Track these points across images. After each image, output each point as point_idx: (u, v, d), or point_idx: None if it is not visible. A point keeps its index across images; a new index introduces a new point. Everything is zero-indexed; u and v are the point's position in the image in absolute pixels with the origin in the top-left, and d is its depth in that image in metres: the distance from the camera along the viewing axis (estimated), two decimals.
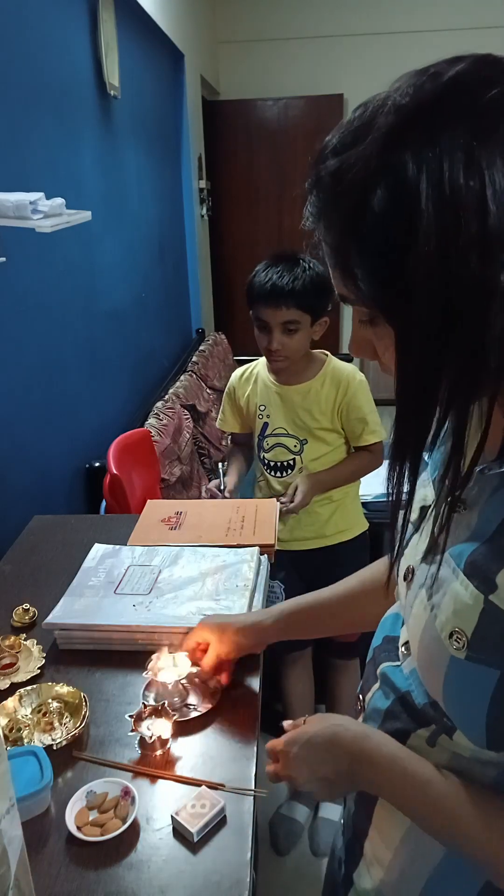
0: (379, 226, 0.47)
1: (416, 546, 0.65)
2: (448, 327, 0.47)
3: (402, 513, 0.58)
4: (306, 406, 1.68)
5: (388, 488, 0.56)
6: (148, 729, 0.86)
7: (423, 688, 0.62)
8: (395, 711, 0.66)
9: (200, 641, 0.96)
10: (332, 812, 1.83)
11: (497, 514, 0.54)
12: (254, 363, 1.80)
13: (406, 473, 0.54)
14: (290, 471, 1.72)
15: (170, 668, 0.93)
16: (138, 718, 0.87)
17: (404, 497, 0.57)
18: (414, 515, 0.67)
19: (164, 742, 0.86)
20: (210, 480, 2.57)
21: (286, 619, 0.93)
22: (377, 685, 0.71)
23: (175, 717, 0.87)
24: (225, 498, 1.72)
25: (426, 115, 0.46)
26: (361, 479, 1.82)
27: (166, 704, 0.89)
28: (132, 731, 0.86)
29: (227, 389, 1.83)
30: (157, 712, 0.88)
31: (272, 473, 1.74)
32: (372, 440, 1.70)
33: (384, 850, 0.69)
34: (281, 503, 1.51)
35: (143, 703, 0.89)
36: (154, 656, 0.94)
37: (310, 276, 1.54)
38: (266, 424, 1.72)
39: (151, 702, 0.92)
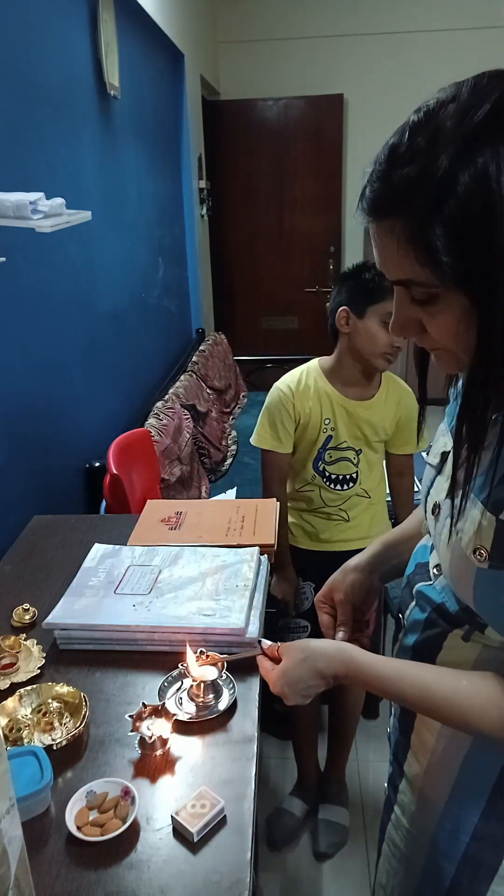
0: (464, 207, 0.55)
1: (440, 486, 0.78)
2: None
3: (462, 469, 0.68)
4: (372, 420, 1.68)
5: (454, 450, 0.69)
6: (148, 729, 0.86)
7: (454, 597, 0.77)
8: (432, 619, 0.80)
9: (325, 597, 1.02)
10: (333, 814, 1.84)
11: None
12: (303, 374, 1.71)
13: (474, 431, 0.64)
14: (352, 484, 1.72)
15: (205, 667, 0.94)
16: (138, 718, 0.87)
17: (464, 455, 0.66)
18: (435, 461, 0.80)
19: (164, 742, 0.86)
20: (210, 481, 2.56)
21: (380, 547, 1.03)
22: (413, 602, 0.85)
23: (205, 716, 0.90)
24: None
25: (493, 119, 0.56)
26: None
27: (200, 701, 0.92)
28: (132, 731, 0.86)
29: (275, 403, 1.71)
30: (157, 712, 0.88)
31: (330, 485, 1.72)
32: (411, 451, 1.77)
33: (428, 735, 0.85)
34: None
35: (143, 703, 0.89)
36: (191, 659, 0.94)
37: None
38: (330, 437, 1.68)
39: (181, 696, 0.94)
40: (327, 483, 1.72)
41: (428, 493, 0.82)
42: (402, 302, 0.65)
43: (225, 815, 0.78)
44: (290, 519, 1.79)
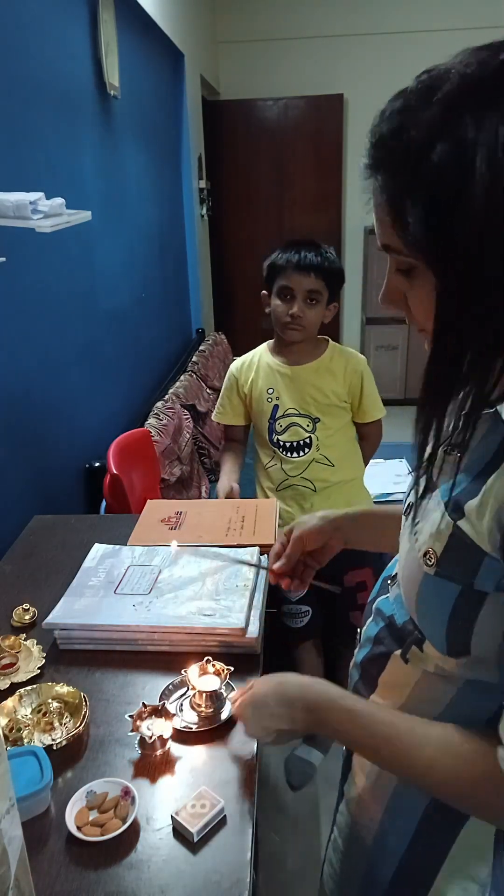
0: (436, 177, 0.52)
1: (417, 488, 0.75)
2: (487, 276, 0.53)
3: (424, 456, 0.66)
4: (317, 383, 1.77)
5: (414, 434, 0.64)
6: (148, 729, 0.86)
7: (403, 608, 0.73)
8: (381, 636, 0.77)
9: (288, 530, 0.99)
10: (308, 754, 1.95)
11: (484, 455, 0.61)
12: (252, 352, 1.89)
13: (434, 418, 0.61)
14: (307, 450, 1.79)
15: (208, 676, 0.94)
16: (138, 718, 0.87)
17: (430, 441, 0.63)
18: (423, 464, 0.75)
19: (164, 742, 0.86)
20: (210, 481, 2.57)
21: (358, 511, 1.01)
22: (371, 618, 0.82)
23: (205, 726, 0.90)
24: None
25: (487, 84, 0.51)
26: (365, 477, 1.86)
27: (202, 710, 0.91)
28: (132, 731, 0.86)
29: (226, 382, 1.89)
30: (157, 712, 0.88)
31: (287, 454, 1.80)
32: (378, 416, 1.85)
33: (364, 761, 0.81)
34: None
35: (143, 703, 0.89)
36: (194, 666, 0.95)
37: (331, 258, 1.72)
38: (276, 407, 1.79)
39: (184, 703, 0.93)
40: (283, 452, 1.80)
41: (407, 496, 0.79)
42: (390, 270, 0.63)
43: (225, 815, 0.78)
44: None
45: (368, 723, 0.69)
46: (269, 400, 1.80)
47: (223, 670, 0.94)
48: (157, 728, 0.86)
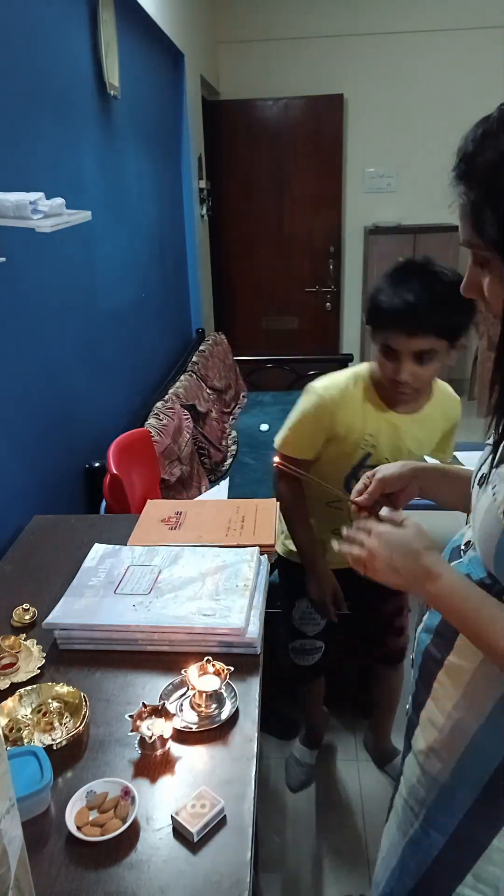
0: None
1: (486, 459, 0.84)
2: None
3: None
4: (419, 434, 1.52)
5: (489, 409, 0.78)
6: (148, 729, 0.86)
7: (481, 565, 0.83)
8: None
9: (370, 474, 1.05)
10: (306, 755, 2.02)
11: None
12: (345, 383, 1.50)
13: None
14: None
15: (207, 676, 0.94)
16: (138, 718, 0.87)
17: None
18: (492, 439, 0.83)
19: (164, 742, 0.86)
20: (210, 481, 2.56)
21: (436, 468, 1.10)
22: None
23: (206, 725, 0.90)
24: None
25: None
26: None
27: (202, 710, 0.91)
28: (132, 731, 0.86)
29: (310, 410, 1.51)
30: (157, 712, 0.88)
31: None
32: (447, 460, 1.64)
33: (438, 714, 0.91)
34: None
35: (143, 703, 0.89)
36: (194, 666, 0.95)
37: (448, 288, 1.28)
38: (368, 455, 1.50)
39: (184, 703, 0.93)
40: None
41: (479, 468, 0.87)
42: (471, 263, 0.76)
43: (225, 815, 0.78)
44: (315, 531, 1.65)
45: (468, 590, 0.81)
46: (363, 447, 1.50)
47: (223, 670, 0.94)
48: (157, 728, 0.86)
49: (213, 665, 0.95)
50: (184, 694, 0.95)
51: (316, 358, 4.25)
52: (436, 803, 0.93)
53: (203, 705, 0.92)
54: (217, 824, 0.77)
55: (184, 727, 0.90)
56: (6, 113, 1.48)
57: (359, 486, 1.05)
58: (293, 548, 1.68)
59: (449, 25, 4.28)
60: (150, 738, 0.84)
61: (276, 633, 1.75)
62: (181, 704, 0.94)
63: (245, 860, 0.73)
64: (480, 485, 0.84)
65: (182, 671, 0.96)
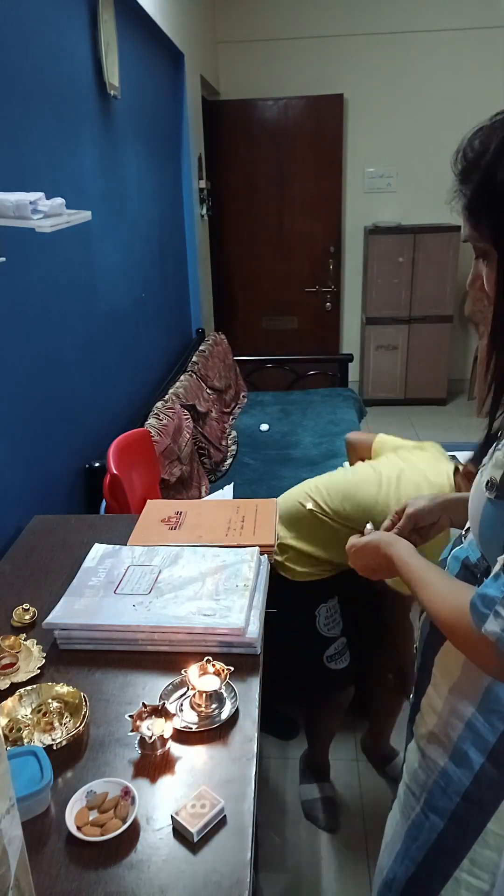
0: (500, 190, 0.71)
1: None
2: None
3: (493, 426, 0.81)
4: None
5: (487, 406, 0.80)
6: (148, 729, 0.86)
7: (475, 548, 0.86)
8: (460, 578, 0.89)
9: (401, 507, 1.12)
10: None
11: None
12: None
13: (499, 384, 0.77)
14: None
15: (208, 676, 0.94)
16: (138, 718, 0.87)
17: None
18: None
19: (164, 742, 0.86)
20: (210, 481, 2.56)
21: (463, 497, 1.07)
22: (445, 569, 0.94)
23: (206, 725, 0.90)
24: None
25: None
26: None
27: (202, 710, 0.91)
28: (132, 731, 0.86)
29: None
30: (157, 712, 0.88)
31: None
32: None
33: (437, 700, 0.95)
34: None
35: (143, 703, 0.89)
36: (194, 666, 0.95)
37: None
38: None
39: (184, 703, 0.93)
40: None
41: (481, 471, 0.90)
42: (474, 257, 0.80)
43: (225, 815, 0.78)
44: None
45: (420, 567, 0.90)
46: None
47: (223, 670, 0.94)
48: (156, 728, 0.86)
49: (214, 665, 0.95)
50: (184, 694, 0.95)
51: (316, 358, 4.25)
52: (435, 786, 0.95)
53: (203, 705, 0.92)
54: (217, 824, 0.77)
55: (184, 727, 0.90)
56: (6, 113, 1.48)
57: (386, 523, 1.13)
58: (302, 569, 1.66)
59: (449, 25, 4.28)
60: (150, 738, 0.84)
61: (299, 652, 1.74)
62: (181, 704, 0.94)
63: (245, 860, 0.73)
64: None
65: (182, 671, 0.96)
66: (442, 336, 4.72)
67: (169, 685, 0.97)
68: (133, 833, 0.76)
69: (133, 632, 1.04)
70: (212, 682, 0.93)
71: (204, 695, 0.92)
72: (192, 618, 1.05)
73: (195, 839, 0.75)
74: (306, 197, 4.64)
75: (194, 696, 0.93)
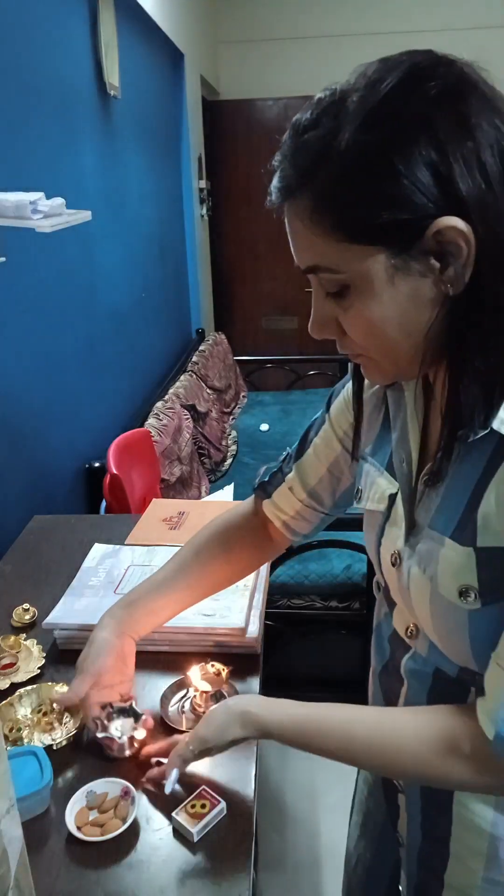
0: (367, 178, 0.52)
1: (393, 534, 0.69)
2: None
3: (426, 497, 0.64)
4: None
5: (406, 477, 0.65)
6: (117, 730, 0.85)
7: (445, 659, 0.65)
8: (437, 693, 0.68)
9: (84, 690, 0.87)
10: None
11: (468, 481, 0.58)
12: None
13: (449, 451, 0.59)
14: None
15: (209, 677, 0.93)
16: (107, 719, 0.85)
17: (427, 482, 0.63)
18: (382, 506, 0.70)
19: (134, 744, 0.84)
20: (210, 481, 2.55)
21: (132, 608, 0.91)
22: (405, 685, 0.72)
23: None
24: None
25: (401, 89, 0.53)
26: None
27: (203, 711, 0.90)
28: (100, 731, 0.84)
29: None
30: (125, 712, 0.86)
31: None
32: None
33: (468, 876, 0.71)
34: None
35: (110, 704, 0.86)
36: (195, 667, 0.94)
37: None
38: None
39: (184, 705, 0.93)
40: None
41: (379, 545, 0.71)
42: (318, 297, 0.60)
43: (225, 815, 0.78)
44: None
45: (315, 711, 0.68)
46: None
47: (223, 671, 0.94)
48: (126, 729, 0.85)
49: (214, 666, 0.94)
50: (185, 695, 0.95)
51: (316, 358, 4.25)
52: None
53: (204, 706, 0.92)
54: (217, 824, 0.77)
55: (188, 728, 0.90)
56: (6, 113, 1.48)
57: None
58: None
59: (448, 25, 4.28)
60: (120, 738, 0.83)
61: None
62: (183, 705, 0.94)
63: (245, 860, 0.73)
64: (395, 564, 0.69)
65: (184, 673, 0.96)
66: None
67: (171, 686, 0.97)
68: (133, 833, 0.76)
69: None
70: (213, 683, 0.93)
71: (205, 695, 0.92)
72: (192, 618, 1.04)
73: (195, 839, 0.75)
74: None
75: (195, 696, 0.93)
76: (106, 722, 0.85)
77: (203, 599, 0.96)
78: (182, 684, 0.96)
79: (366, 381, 0.71)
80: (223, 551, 0.92)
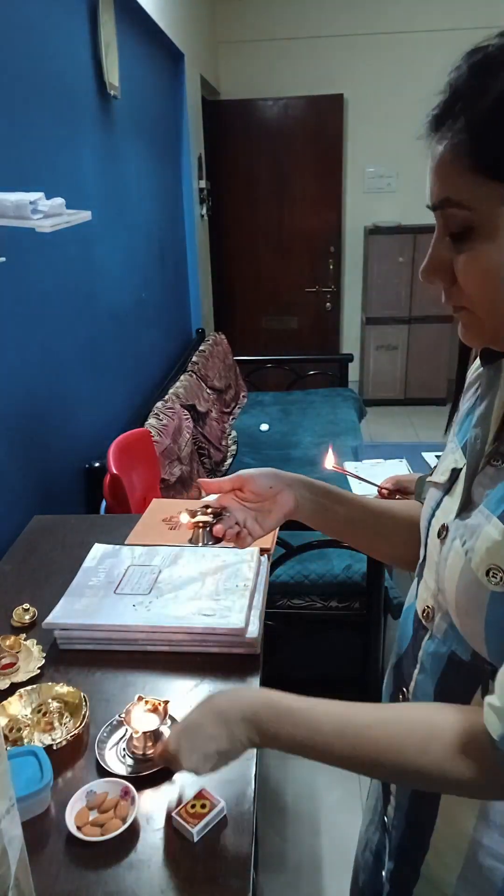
0: None
1: (448, 507, 0.69)
2: None
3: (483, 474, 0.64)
4: None
5: (471, 451, 0.66)
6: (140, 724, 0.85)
7: (462, 642, 0.64)
8: (448, 681, 0.67)
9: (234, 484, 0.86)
10: None
11: None
12: None
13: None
14: None
15: (147, 715, 0.85)
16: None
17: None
18: (443, 478, 0.71)
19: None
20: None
21: (321, 486, 0.87)
22: (417, 669, 0.71)
23: (147, 769, 0.83)
24: None
25: None
26: (366, 478, 1.75)
27: (140, 754, 0.85)
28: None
29: None
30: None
31: None
32: None
33: (444, 872, 0.71)
34: None
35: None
36: (137, 710, 0.86)
37: None
38: None
39: (123, 748, 0.87)
40: None
41: (432, 516, 0.72)
42: (438, 238, 0.59)
43: (225, 815, 0.78)
44: None
45: (315, 717, 0.63)
46: None
47: (160, 704, 0.86)
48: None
49: (147, 702, 0.86)
50: (122, 737, 0.88)
51: (316, 358, 4.25)
52: None
53: (141, 748, 0.84)
54: (217, 824, 0.77)
55: (125, 773, 0.83)
56: (6, 113, 1.48)
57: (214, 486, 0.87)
58: None
59: (449, 25, 4.28)
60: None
61: None
62: (122, 750, 0.87)
63: (245, 860, 0.73)
64: (440, 536, 0.68)
65: (117, 715, 0.89)
66: (442, 336, 4.72)
67: (107, 725, 0.90)
68: (133, 833, 0.76)
69: (133, 632, 1.04)
70: (150, 721, 0.84)
71: (144, 735, 0.84)
72: (192, 618, 1.05)
73: (195, 839, 0.75)
74: (306, 197, 4.64)
75: (132, 738, 0.86)
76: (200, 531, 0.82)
77: (359, 543, 0.91)
78: (118, 725, 0.90)
79: (471, 359, 0.73)
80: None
